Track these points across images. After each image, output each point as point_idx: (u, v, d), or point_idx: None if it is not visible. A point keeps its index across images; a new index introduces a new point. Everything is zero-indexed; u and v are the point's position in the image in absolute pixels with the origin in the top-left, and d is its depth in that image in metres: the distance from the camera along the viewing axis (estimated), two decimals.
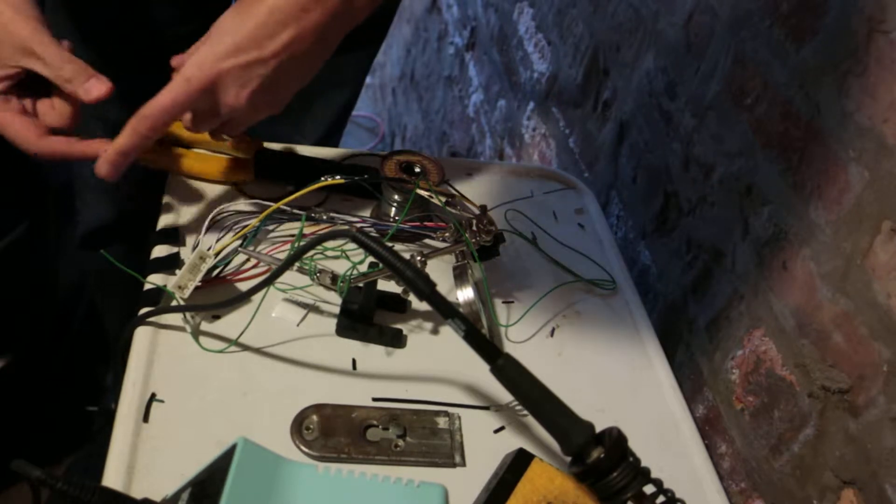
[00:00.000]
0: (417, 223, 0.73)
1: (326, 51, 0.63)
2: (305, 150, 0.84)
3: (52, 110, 0.66)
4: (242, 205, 0.73)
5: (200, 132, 0.67)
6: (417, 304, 0.71)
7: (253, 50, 0.60)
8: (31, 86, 0.65)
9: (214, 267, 0.66)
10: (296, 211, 0.72)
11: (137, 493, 0.49)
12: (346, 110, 1.04)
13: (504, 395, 0.61)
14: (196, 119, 0.64)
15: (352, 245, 0.72)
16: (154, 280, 0.67)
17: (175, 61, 0.64)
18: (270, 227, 0.74)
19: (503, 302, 0.74)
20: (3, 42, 0.62)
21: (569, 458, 0.53)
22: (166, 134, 0.78)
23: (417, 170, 0.77)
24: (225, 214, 0.72)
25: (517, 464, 0.56)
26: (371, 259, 0.66)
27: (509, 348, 0.70)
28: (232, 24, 0.61)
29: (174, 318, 0.64)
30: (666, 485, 0.52)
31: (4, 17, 0.61)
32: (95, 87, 0.63)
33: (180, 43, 0.64)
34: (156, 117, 0.62)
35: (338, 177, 0.74)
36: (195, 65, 0.60)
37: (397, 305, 0.70)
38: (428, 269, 0.63)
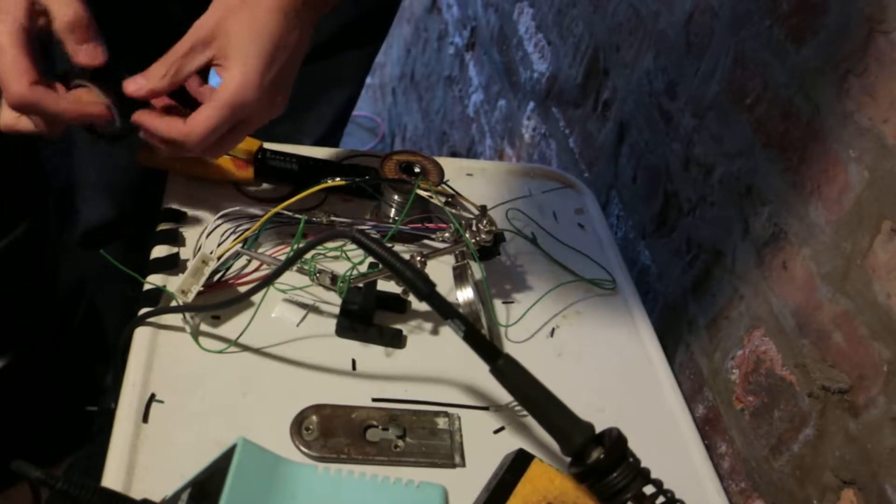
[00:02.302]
0: (417, 224, 0.73)
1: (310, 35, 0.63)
2: (305, 150, 0.84)
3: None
4: (243, 206, 0.73)
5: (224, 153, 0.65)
6: (417, 304, 0.71)
7: (281, 54, 0.59)
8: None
9: (216, 271, 0.66)
10: (295, 215, 0.72)
11: (137, 494, 0.49)
12: (348, 108, 1.04)
13: (504, 396, 0.61)
14: (227, 141, 0.63)
15: (351, 245, 0.72)
16: (154, 280, 0.67)
17: (131, 87, 0.61)
18: (271, 229, 0.74)
19: (503, 302, 0.74)
20: None
21: (569, 459, 0.53)
22: None
23: (417, 170, 0.77)
24: (225, 217, 0.72)
25: (517, 464, 0.56)
26: (371, 259, 0.66)
27: (509, 348, 0.70)
28: (248, 36, 0.59)
29: (174, 319, 0.64)
30: (666, 485, 0.52)
31: None
32: (84, 54, 0.60)
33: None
34: (193, 151, 0.61)
35: (337, 178, 0.74)
36: (236, 92, 0.59)
37: (397, 306, 0.70)
38: (428, 269, 0.63)
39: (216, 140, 0.61)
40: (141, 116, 0.62)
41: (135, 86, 0.61)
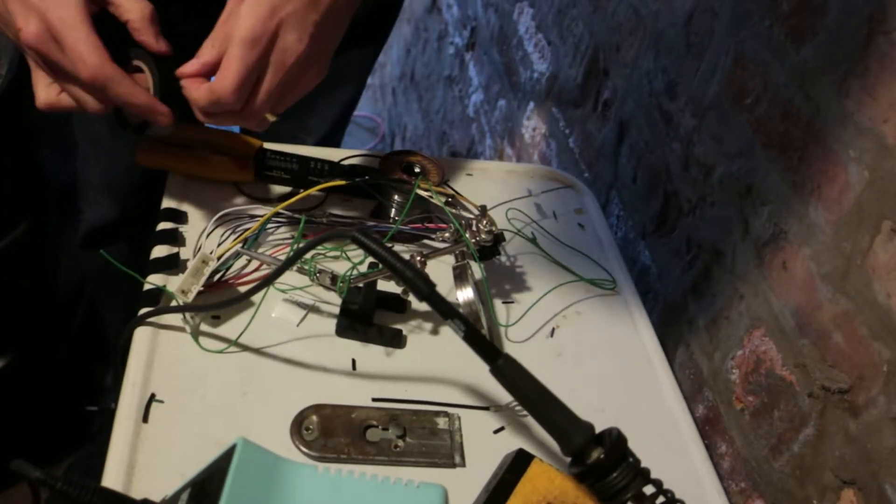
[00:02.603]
0: (417, 224, 0.73)
1: (353, 9, 0.63)
2: (305, 150, 0.84)
3: None
4: (243, 206, 0.73)
5: (264, 112, 0.63)
6: (417, 304, 0.71)
7: None
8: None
9: (216, 271, 0.66)
10: (295, 215, 0.72)
11: (137, 494, 0.49)
12: (350, 108, 1.05)
13: (504, 396, 0.61)
14: (264, 92, 0.61)
15: (352, 245, 0.72)
16: (154, 280, 0.67)
17: (190, 68, 0.62)
18: (270, 229, 0.74)
19: (503, 302, 0.74)
20: None
21: (569, 459, 0.53)
22: (166, 135, 0.78)
23: (417, 170, 0.77)
24: (226, 217, 0.72)
25: (517, 464, 0.56)
26: (371, 259, 0.66)
27: (509, 348, 0.70)
28: None
29: (174, 319, 0.64)
30: (666, 485, 0.52)
31: None
32: (160, 42, 0.62)
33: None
34: (233, 101, 0.59)
35: (337, 178, 0.74)
36: (251, 23, 0.58)
37: (397, 306, 0.70)
38: (428, 269, 0.63)
39: (257, 89, 0.60)
40: (187, 83, 0.62)
41: (190, 66, 0.62)
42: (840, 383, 0.61)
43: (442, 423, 0.62)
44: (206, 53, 0.61)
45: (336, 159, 0.82)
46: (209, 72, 0.62)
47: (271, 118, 0.64)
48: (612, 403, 0.68)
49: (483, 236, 0.68)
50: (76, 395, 1.33)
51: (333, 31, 0.63)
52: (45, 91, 0.63)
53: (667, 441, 0.67)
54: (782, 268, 0.69)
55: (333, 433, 0.59)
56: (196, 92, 0.61)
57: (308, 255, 0.68)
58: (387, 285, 0.67)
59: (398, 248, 0.75)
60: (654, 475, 0.52)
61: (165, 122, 0.63)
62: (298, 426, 0.59)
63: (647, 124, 0.94)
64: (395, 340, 0.67)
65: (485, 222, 0.68)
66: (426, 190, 0.72)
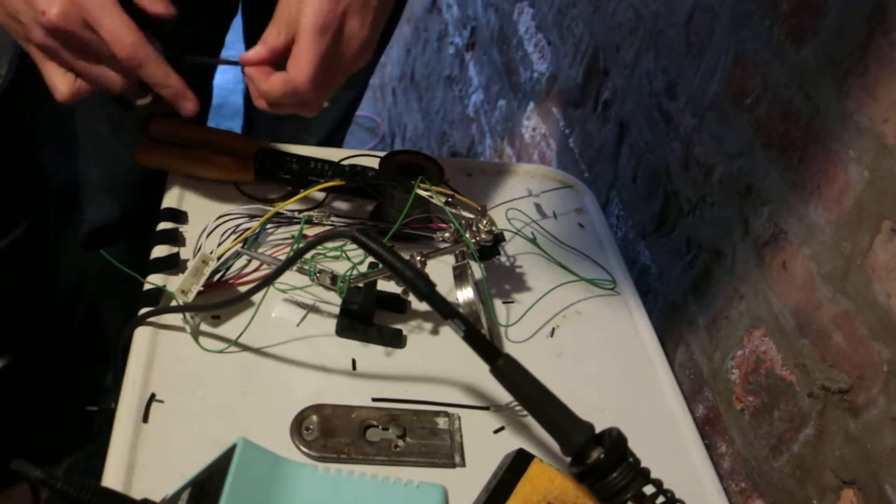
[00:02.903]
0: (417, 224, 0.73)
1: None
2: (305, 150, 0.84)
3: None
4: (243, 206, 0.73)
5: (327, 99, 0.63)
6: (417, 304, 0.71)
7: None
8: None
9: (216, 271, 0.66)
10: (296, 215, 0.72)
11: (137, 494, 0.49)
12: (352, 108, 1.05)
13: (504, 396, 0.61)
14: (329, 74, 0.61)
15: (352, 245, 0.72)
16: (154, 280, 0.67)
17: (253, 56, 0.61)
18: (270, 229, 0.74)
19: (503, 302, 0.74)
20: None
21: (569, 459, 0.53)
22: (166, 135, 0.78)
23: (417, 170, 0.77)
24: (226, 217, 0.72)
25: (517, 464, 0.56)
26: (371, 259, 0.66)
27: (509, 348, 0.70)
28: None
29: (174, 319, 0.64)
30: (666, 485, 0.52)
31: None
32: (158, 5, 0.61)
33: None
34: (309, 90, 0.59)
35: (337, 178, 0.74)
36: (321, 10, 0.58)
37: (397, 305, 0.70)
38: (428, 269, 0.63)
39: (325, 73, 0.60)
40: (253, 73, 0.62)
41: (252, 52, 0.61)
42: (840, 383, 0.61)
43: (442, 423, 0.62)
44: (273, 39, 0.60)
45: (336, 159, 0.82)
46: (275, 58, 0.61)
47: (326, 104, 0.64)
48: (612, 403, 0.68)
49: (483, 236, 0.68)
50: (76, 395, 1.33)
51: (385, 14, 0.63)
52: (63, 81, 0.62)
53: (667, 441, 0.67)
54: (782, 268, 0.69)
55: (333, 433, 0.59)
56: (267, 84, 0.60)
57: (308, 255, 0.68)
58: (387, 285, 0.67)
59: (398, 248, 0.75)
60: (654, 475, 0.52)
61: (190, 110, 0.62)
62: (298, 426, 0.59)
63: (647, 124, 0.94)
64: (395, 340, 0.67)
65: (485, 222, 0.68)
66: (426, 190, 0.72)
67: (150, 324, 0.63)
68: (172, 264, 0.68)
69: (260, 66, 0.61)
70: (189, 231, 0.73)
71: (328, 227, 0.74)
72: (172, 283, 0.66)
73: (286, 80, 0.59)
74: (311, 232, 0.73)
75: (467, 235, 0.68)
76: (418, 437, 0.60)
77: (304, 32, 0.58)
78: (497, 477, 0.56)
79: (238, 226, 0.71)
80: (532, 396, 0.53)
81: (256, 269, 0.69)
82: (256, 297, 0.62)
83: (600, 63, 1.09)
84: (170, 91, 0.61)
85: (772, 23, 0.73)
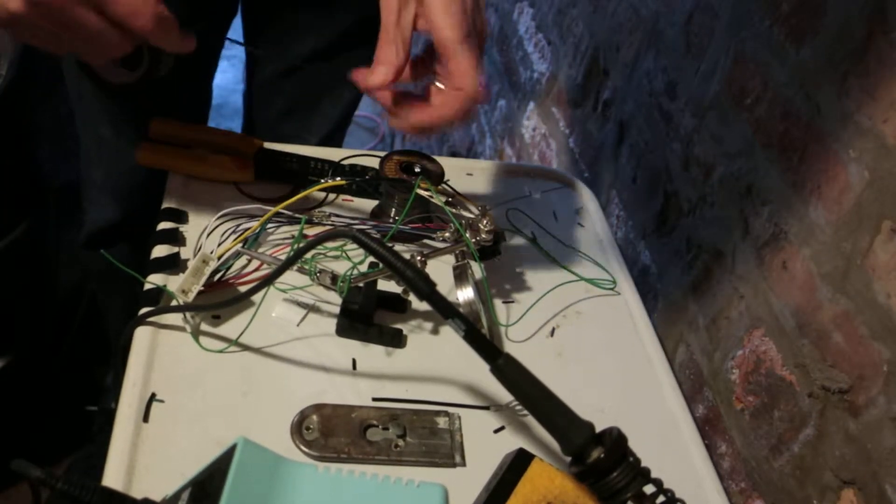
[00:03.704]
0: (417, 223, 0.73)
1: None
2: (305, 149, 0.84)
3: None
4: (243, 206, 0.73)
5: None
6: (417, 304, 0.71)
7: None
8: None
9: (217, 270, 0.66)
10: (295, 215, 0.72)
11: (137, 493, 0.49)
12: (352, 107, 1.05)
13: (504, 395, 0.61)
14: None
15: (352, 245, 0.72)
16: (154, 280, 0.67)
17: (378, 79, 0.61)
18: (271, 229, 0.74)
19: (503, 302, 0.74)
20: None
21: (569, 458, 0.53)
22: (166, 135, 0.78)
23: (417, 170, 0.77)
24: (226, 217, 0.72)
25: (517, 464, 0.56)
26: (371, 259, 0.66)
27: (509, 348, 0.70)
28: None
29: (174, 318, 0.64)
30: (666, 485, 0.52)
31: None
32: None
33: None
34: (482, 94, 0.59)
35: (337, 178, 0.74)
36: (460, 18, 0.58)
37: (397, 305, 0.70)
38: (428, 269, 0.63)
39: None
40: (418, 117, 0.62)
41: (379, 76, 0.61)
42: (840, 383, 0.61)
43: (442, 422, 0.62)
44: (393, 56, 0.60)
45: (336, 159, 0.82)
46: (399, 77, 0.61)
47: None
48: (612, 403, 0.68)
49: (483, 236, 0.68)
50: (76, 395, 1.33)
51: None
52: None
53: (667, 441, 0.67)
54: (782, 268, 0.69)
55: (334, 433, 0.59)
56: (440, 110, 0.61)
57: (308, 255, 0.68)
58: (387, 285, 0.67)
59: (398, 247, 0.75)
60: (654, 475, 0.52)
61: (192, 46, 0.59)
62: (299, 426, 0.59)
63: (647, 124, 0.94)
64: (396, 340, 0.67)
65: (485, 222, 0.68)
66: (426, 190, 0.72)
67: (151, 323, 0.63)
68: (173, 264, 0.68)
69: (410, 102, 0.62)
70: (189, 231, 0.73)
71: (328, 227, 0.74)
72: (173, 282, 0.66)
73: (463, 98, 0.59)
74: (311, 232, 0.73)
75: (467, 235, 0.68)
76: (418, 436, 0.60)
77: (455, 46, 0.58)
78: (497, 476, 0.56)
79: (238, 226, 0.71)
80: (532, 396, 0.54)
81: (256, 269, 0.69)
82: (257, 297, 0.62)
83: (600, 63, 1.09)
84: (177, 48, 0.58)
85: (772, 23, 0.73)
